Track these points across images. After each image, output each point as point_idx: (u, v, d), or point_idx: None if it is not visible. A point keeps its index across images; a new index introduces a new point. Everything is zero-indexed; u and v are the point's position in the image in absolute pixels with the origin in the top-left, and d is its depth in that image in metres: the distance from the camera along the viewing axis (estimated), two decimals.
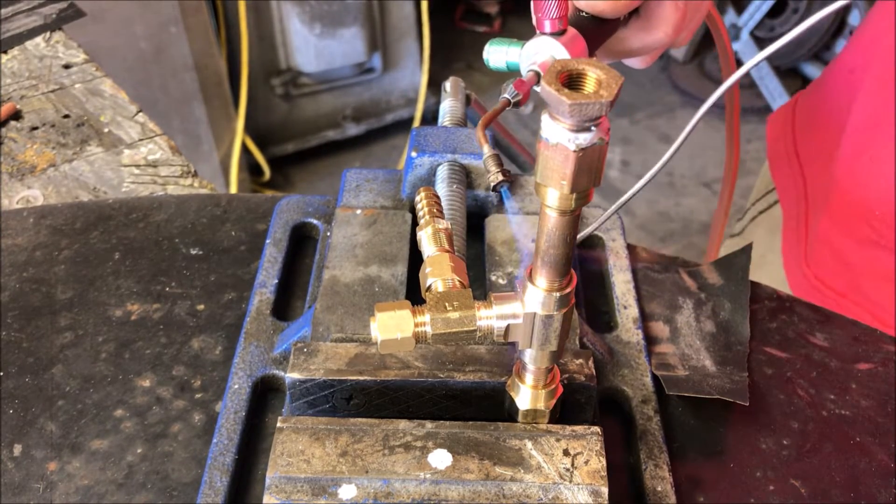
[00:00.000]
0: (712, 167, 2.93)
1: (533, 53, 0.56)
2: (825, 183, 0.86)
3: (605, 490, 0.47)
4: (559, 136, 0.38)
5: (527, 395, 0.51)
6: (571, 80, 0.38)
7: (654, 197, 2.84)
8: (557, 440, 0.49)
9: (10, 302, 0.65)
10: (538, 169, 0.40)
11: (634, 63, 0.68)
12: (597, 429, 0.49)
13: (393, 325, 0.46)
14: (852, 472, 0.56)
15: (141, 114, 0.99)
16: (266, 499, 0.46)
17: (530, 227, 0.64)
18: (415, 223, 0.63)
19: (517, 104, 0.54)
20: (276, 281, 0.65)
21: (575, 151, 0.38)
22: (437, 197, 0.54)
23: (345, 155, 2.98)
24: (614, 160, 2.98)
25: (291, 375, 0.53)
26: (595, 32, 0.58)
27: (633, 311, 0.64)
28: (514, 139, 0.84)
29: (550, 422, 0.51)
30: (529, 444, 0.48)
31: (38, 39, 1.12)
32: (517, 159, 0.87)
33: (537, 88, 0.54)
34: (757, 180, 1.09)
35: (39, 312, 0.64)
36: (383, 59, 2.89)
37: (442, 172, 0.66)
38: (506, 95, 0.54)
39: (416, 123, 2.98)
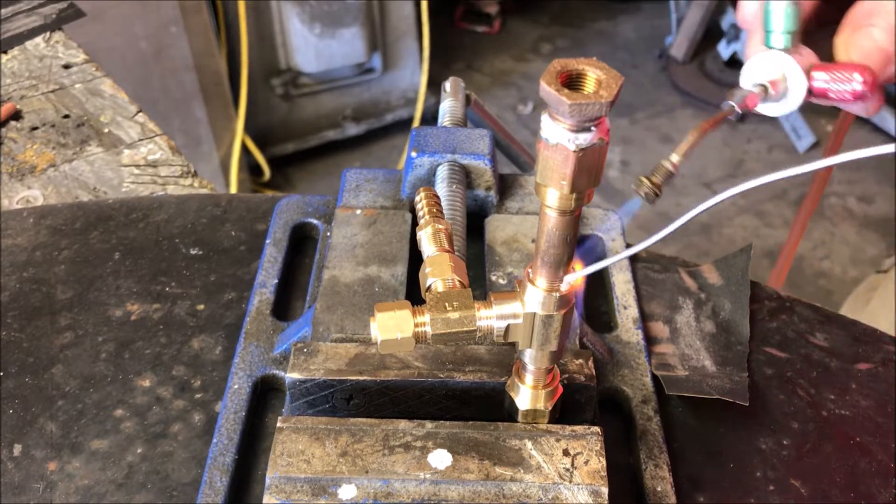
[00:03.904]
0: (712, 167, 2.93)
1: (761, 67, 0.51)
2: None
3: (605, 490, 0.47)
4: (559, 137, 0.38)
5: (527, 395, 0.50)
6: (571, 81, 0.38)
7: None
8: (557, 440, 0.49)
9: (10, 302, 0.65)
10: (538, 169, 0.40)
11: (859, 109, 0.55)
12: (597, 429, 0.49)
13: (393, 325, 0.46)
14: (852, 472, 0.56)
15: (141, 114, 0.99)
16: (266, 499, 0.46)
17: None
18: (415, 223, 0.63)
19: (741, 119, 0.50)
20: (276, 281, 0.65)
21: (575, 152, 0.38)
22: (437, 197, 0.54)
23: (345, 155, 2.98)
24: (614, 160, 2.98)
25: (291, 375, 0.53)
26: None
27: (633, 311, 0.64)
28: (514, 139, 0.84)
29: (550, 422, 0.51)
30: (529, 444, 0.48)
31: (38, 39, 1.12)
32: (517, 159, 0.87)
33: (760, 105, 0.51)
34: None
35: (39, 312, 0.64)
36: (383, 59, 2.89)
37: (442, 172, 0.66)
38: (732, 103, 0.50)
39: (416, 123, 2.98)
